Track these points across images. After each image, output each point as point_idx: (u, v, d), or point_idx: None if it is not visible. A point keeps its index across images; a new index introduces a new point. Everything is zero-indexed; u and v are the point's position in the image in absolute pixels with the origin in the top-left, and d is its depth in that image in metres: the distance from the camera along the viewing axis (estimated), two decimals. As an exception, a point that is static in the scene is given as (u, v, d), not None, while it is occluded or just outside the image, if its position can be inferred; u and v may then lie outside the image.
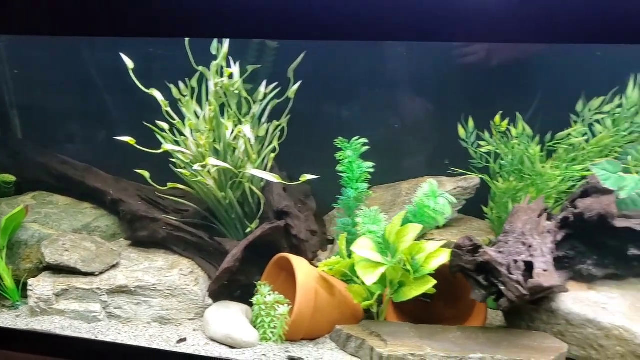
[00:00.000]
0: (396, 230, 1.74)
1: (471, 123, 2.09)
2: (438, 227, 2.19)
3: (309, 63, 2.12)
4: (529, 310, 1.93)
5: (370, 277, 1.70)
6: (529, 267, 1.64)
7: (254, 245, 2.09)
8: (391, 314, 2.03)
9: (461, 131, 2.10)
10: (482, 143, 2.06)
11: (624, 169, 1.79)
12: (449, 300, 2.08)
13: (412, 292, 1.82)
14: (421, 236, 2.18)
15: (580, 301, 1.85)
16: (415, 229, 1.74)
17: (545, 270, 1.60)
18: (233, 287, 2.15)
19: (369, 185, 2.11)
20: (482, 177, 2.13)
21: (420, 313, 2.04)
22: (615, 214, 1.75)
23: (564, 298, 1.87)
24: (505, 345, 1.79)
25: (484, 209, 2.18)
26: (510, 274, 1.63)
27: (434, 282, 1.79)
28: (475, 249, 1.71)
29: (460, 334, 1.87)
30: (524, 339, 1.84)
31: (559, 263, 1.88)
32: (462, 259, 1.73)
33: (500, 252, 1.70)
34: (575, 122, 1.99)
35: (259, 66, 2.10)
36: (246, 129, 1.91)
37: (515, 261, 1.66)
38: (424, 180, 2.17)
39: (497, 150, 2.03)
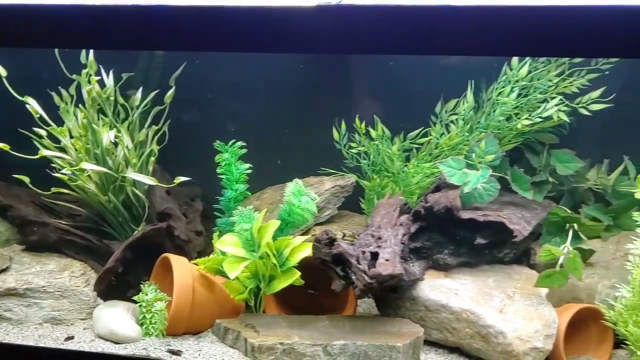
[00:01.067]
0: (259, 226, 1.89)
1: (344, 126, 2.26)
2: (320, 223, 2.35)
3: (196, 71, 2.25)
4: (395, 299, 2.11)
5: (234, 272, 1.85)
6: (375, 257, 1.82)
7: (141, 247, 2.20)
8: (272, 307, 2.18)
9: (335, 134, 2.27)
10: (352, 144, 2.23)
11: (470, 166, 1.99)
12: (330, 291, 2.25)
13: (281, 284, 1.97)
14: (304, 232, 2.34)
15: (436, 288, 2.05)
16: (274, 225, 1.89)
17: (387, 260, 1.78)
18: (124, 287, 2.25)
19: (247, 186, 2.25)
20: (350, 175, 2.30)
21: (305, 305, 2.19)
22: (459, 206, 1.95)
23: (423, 286, 2.06)
24: (368, 332, 1.96)
25: (362, 205, 2.36)
26: (359, 264, 1.80)
27: (299, 274, 1.95)
28: (331, 242, 1.87)
29: (328, 323, 2.04)
30: (386, 325, 2.02)
31: (418, 253, 2.07)
32: (321, 251, 1.90)
33: (352, 244, 1.87)
34: (434, 123, 2.19)
35: (133, 74, 2.22)
36: (111, 133, 2.03)
37: (364, 252, 1.83)
38: (308, 181, 2.33)
39: (368, 151, 2.21)
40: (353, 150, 2.23)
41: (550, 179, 2.15)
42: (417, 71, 2.34)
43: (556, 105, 2.04)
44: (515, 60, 2.15)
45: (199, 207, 2.37)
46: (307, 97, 2.46)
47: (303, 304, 2.19)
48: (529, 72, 2.09)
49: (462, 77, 2.20)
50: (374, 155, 2.16)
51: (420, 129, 2.16)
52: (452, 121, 2.14)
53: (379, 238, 1.89)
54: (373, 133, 2.16)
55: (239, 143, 2.15)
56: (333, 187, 2.29)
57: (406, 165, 2.11)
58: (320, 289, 2.19)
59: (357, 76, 2.35)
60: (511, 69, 2.14)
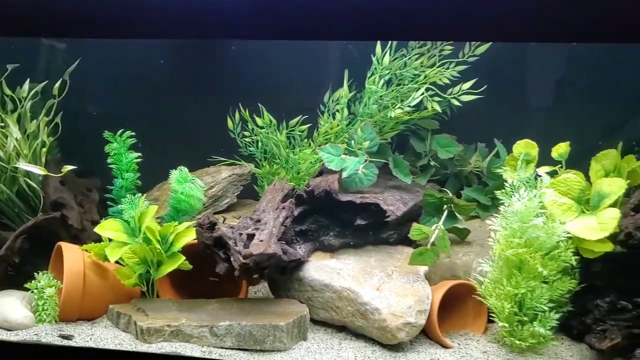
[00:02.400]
0: (139, 212, 1.97)
1: (237, 115, 2.35)
2: (220, 212, 2.44)
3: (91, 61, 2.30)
4: (284, 281, 2.22)
5: (114, 256, 1.92)
6: (252, 239, 1.92)
7: (38, 237, 2.25)
8: (169, 293, 2.26)
9: (229, 123, 2.36)
10: (246, 133, 2.33)
11: (350, 152, 2.11)
12: (230, 276, 2.34)
13: (167, 268, 2.06)
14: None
15: (321, 268, 2.16)
16: (152, 210, 1.97)
17: (261, 241, 1.88)
18: (24, 278, 2.30)
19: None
20: (242, 163, 2.39)
21: (207, 291, 2.28)
22: (337, 189, 2.06)
23: (309, 267, 2.18)
24: (254, 313, 2.06)
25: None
26: (236, 245, 1.90)
27: (183, 258, 2.03)
28: (212, 226, 1.96)
29: (217, 306, 2.13)
30: (273, 306, 2.13)
31: (304, 236, 2.19)
32: (203, 235, 1.99)
33: (231, 227, 1.96)
34: (322, 112, 2.30)
35: (18, 65, 2.27)
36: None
37: (241, 234, 1.93)
38: (207, 170, 2.42)
39: (260, 139, 2.30)
40: (247, 139, 2.32)
41: (433, 163, 2.29)
42: (312, 59, 2.43)
43: (428, 94, 2.16)
44: (379, 49, 2.27)
45: (95, 197, 2.43)
46: (204, 85, 2.53)
47: (205, 290, 2.28)
48: (396, 60, 2.17)
49: (350, 66, 2.31)
50: (262, 143, 2.26)
51: (299, 117, 2.26)
52: (337, 110, 2.25)
53: (258, 221, 1.99)
54: (259, 121, 2.26)
55: (128, 132, 2.22)
56: (230, 176, 2.38)
57: (293, 152, 2.21)
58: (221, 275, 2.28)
59: (250, 64, 2.43)
60: (379, 60, 2.25)
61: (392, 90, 2.24)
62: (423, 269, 2.16)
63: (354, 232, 2.19)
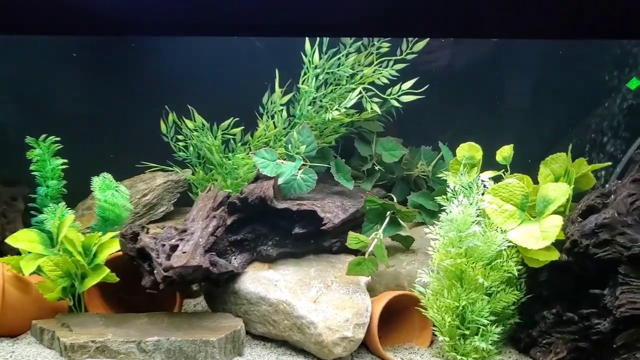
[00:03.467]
0: (57, 223, 1.87)
1: (171, 118, 2.24)
2: (155, 221, 2.34)
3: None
4: (221, 294, 2.12)
5: (29, 269, 1.82)
6: (175, 250, 1.82)
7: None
8: (98, 306, 2.16)
9: (162, 126, 2.26)
10: (180, 137, 2.22)
11: (289, 156, 2.02)
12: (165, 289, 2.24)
13: (91, 281, 1.95)
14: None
15: (257, 280, 2.07)
16: (69, 220, 1.87)
17: (184, 252, 1.79)
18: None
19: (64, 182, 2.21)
20: (174, 169, 2.28)
21: (142, 304, 2.17)
22: (272, 196, 1.97)
23: (245, 279, 2.08)
24: (185, 328, 1.97)
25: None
26: (158, 257, 1.80)
27: (108, 270, 1.93)
28: (135, 236, 1.87)
29: (146, 320, 2.03)
30: (206, 320, 2.03)
31: (240, 246, 2.09)
32: (126, 247, 1.89)
33: (155, 238, 1.86)
34: (262, 114, 2.21)
35: None
36: None
37: (163, 245, 1.83)
38: (142, 177, 2.32)
39: (191, 144, 2.20)
40: (180, 143, 2.22)
41: (378, 168, 2.20)
42: (256, 58, 2.33)
43: (366, 95, 2.08)
44: (308, 46, 2.19)
45: (20, 206, 2.32)
46: (138, 85, 2.42)
47: (142, 303, 2.18)
48: (329, 59, 2.08)
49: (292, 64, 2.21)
50: (194, 147, 2.16)
51: (231, 119, 2.17)
52: (277, 112, 2.16)
53: (184, 231, 1.90)
54: (190, 124, 2.16)
55: (52, 138, 2.11)
56: (165, 182, 2.28)
57: (227, 157, 2.11)
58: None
59: (189, 62, 2.33)
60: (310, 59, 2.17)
61: (328, 91, 2.15)
62: (365, 279, 2.08)
63: (294, 241, 2.10)
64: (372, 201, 2.05)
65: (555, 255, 1.88)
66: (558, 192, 1.85)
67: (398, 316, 2.13)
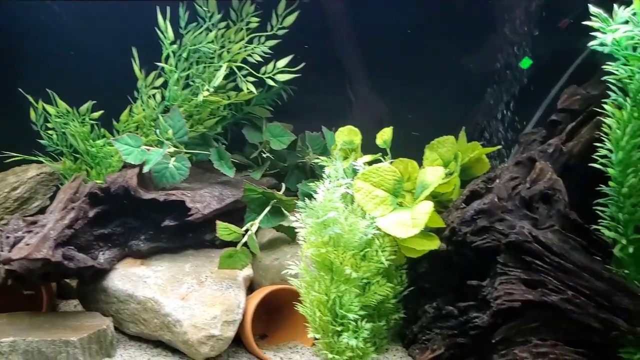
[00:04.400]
0: None
1: (40, 104, 2.11)
2: (29, 215, 2.21)
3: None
4: (92, 292, 2.01)
5: None
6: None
7: None
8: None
9: (32, 113, 2.13)
10: (49, 125, 2.09)
11: (161, 143, 1.91)
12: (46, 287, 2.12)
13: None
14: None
15: (127, 277, 1.96)
16: None
17: (27, 244, 1.67)
18: None
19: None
20: (44, 159, 2.14)
21: (26, 304, 2.05)
22: (135, 186, 1.86)
23: (113, 276, 1.97)
24: (46, 328, 1.85)
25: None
26: (1, 250, 1.69)
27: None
28: (-18, 231, 1.76)
29: (5, 321, 1.91)
30: (71, 320, 1.91)
31: (109, 240, 1.97)
32: (-27, 242, 1.77)
33: (1, 230, 1.76)
34: (136, 98, 2.10)
35: None
36: None
37: (8, 237, 1.72)
38: (15, 170, 2.20)
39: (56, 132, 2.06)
40: (50, 132, 2.09)
41: (267, 155, 2.10)
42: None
43: (240, 75, 1.96)
44: (161, 20, 2.04)
45: None
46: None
47: (17, 303, 2.06)
48: (190, 34, 1.97)
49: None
50: (59, 135, 2.03)
51: (88, 103, 2.04)
52: (143, 94, 2.04)
53: (34, 223, 1.79)
54: (52, 110, 2.04)
55: None
56: (39, 175, 2.15)
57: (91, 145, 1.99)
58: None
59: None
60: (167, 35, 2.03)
61: (196, 71, 2.04)
62: (243, 274, 1.97)
63: (170, 235, 1.99)
64: (251, 190, 1.94)
65: (434, 245, 1.77)
66: (434, 176, 1.75)
67: (283, 313, 2.03)
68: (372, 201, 1.74)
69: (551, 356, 1.64)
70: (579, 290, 1.65)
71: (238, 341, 1.94)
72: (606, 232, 1.74)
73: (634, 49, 1.48)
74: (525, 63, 1.98)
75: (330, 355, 1.77)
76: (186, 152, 1.99)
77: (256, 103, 2.18)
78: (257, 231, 2.13)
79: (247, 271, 1.99)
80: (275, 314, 2.06)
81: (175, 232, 1.99)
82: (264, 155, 2.11)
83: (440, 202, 2.00)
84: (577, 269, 1.66)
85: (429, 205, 1.68)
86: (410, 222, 1.68)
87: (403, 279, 1.88)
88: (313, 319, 1.78)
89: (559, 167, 1.81)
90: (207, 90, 1.91)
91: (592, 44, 1.48)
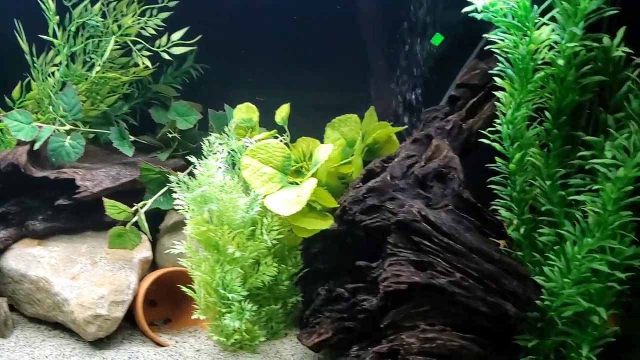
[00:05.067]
0: None
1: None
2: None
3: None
4: (-8, 272, 1.98)
5: None
6: None
7: None
8: None
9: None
10: None
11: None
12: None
13: None
14: None
15: (21, 257, 1.92)
16: None
17: None
18: None
19: None
20: None
21: None
22: (24, 163, 1.82)
23: (9, 255, 1.93)
24: (-61, 308, 1.82)
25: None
26: None
27: None
28: None
29: None
30: (-40, 301, 1.89)
31: (4, 220, 1.94)
32: None
33: None
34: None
35: None
36: None
37: None
38: None
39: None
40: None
41: (173, 135, 2.05)
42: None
43: (135, 49, 1.91)
44: None
45: None
46: None
47: None
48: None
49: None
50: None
51: None
52: (36, 69, 1.99)
53: None
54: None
55: None
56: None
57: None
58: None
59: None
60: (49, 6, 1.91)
61: (87, 45, 1.98)
62: (141, 255, 1.92)
63: (68, 215, 1.95)
64: (148, 169, 1.90)
65: (326, 224, 1.72)
66: (324, 153, 1.69)
67: (188, 297, 1.98)
68: (260, 178, 1.69)
69: (438, 342, 1.58)
70: (468, 272, 1.59)
71: (136, 324, 1.91)
72: (503, 212, 1.68)
73: (509, 16, 1.42)
74: (437, 39, 1.92)
75: (215, 337, 1.73)
76: (88, 131, 1.95)
77: (165, 82, 2.14)
78: (165, 214, 2.11)
79: (145, 253, 1.94)
80: (181, 298, 2.02)
81: (73, 212, 1.94)
82: (172, 136, 2.06)
83: (347, 184, 1.95)
84: (467, 251, 1.60)
85: (313, 182, 1.63)
86: (295, 200, 1.62)
87: (298, 260, 1.83)
88: (200, 300, 1.74)
89: (458, 145, 1.75)
90: (100, 65, 1.87)
91: (466, 9, 1.42)
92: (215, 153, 1.67)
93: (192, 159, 1.72)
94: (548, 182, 1.51)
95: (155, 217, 2.07)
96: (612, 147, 1.31)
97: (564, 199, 1.52)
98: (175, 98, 2.13)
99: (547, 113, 1.53)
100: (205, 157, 1.69)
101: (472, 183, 1.74)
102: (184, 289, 1.74)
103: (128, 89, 2.08)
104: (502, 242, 1.77)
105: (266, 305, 1.81)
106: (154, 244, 2.01)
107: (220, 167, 1.65)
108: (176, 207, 1.70)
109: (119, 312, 1.79)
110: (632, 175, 1.28)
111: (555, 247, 1.52)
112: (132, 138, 1.98)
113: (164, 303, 2.03)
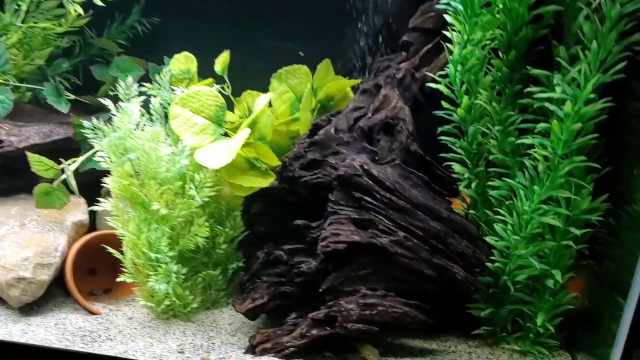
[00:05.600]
0: None
1: None
2: None
3: None
4: None
5: None
6: None
7: None
8: None
9: None
10: None
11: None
12: None
13: None
14: None
15: (-52, 218, 1.82)
16: None
17: None
18: None
19: None
20: None
21: None
22: None
23: None
24: None
25: None
26: None
27: None
28: None
29: None
30: None
31: None
32: None
33: None
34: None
35: None
36: None
37: None
38: None
39: None
40: None
41: (114, 93, 1.93)
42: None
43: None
44: None
45: None
46: None
47: None
48: None
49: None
50: None
51: None
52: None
53: None
54: None
55: None
56: None
57: None
58: None
59: None
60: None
61: None
62: (75, 219, 1.80)
63: (2, 176, 1.85)
64: (81, 126, 1.78)
65: (264, 182, 1.59)
66: (261, 103, 1.56)
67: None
68: (190, 129, 1.56)
69: (380, 308, 1.44)
70: (412, 231, 1.45)
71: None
72: (457, 167, 1.54)
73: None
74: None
75: (142, 302, 1.62)
76: (25, 87, 1.84)
77: (109, 37, 2.02)
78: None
79: (80, 216, 1.82)
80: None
81: (2, 171, 1.83)
82: (114, 94, 1.94)
83: (299, 142, 1.82)
84: (412, 208, 1.46)
85: (246, 133, 1.49)
86: (225, 152, 1.50)
87: (237, 222, 1.70)
88: (127, 262, 1.62)
89: (410, 95, 1.61)
90: (25, 11, 1.75)
91: None
92: (134, 97, 1.55)
93: (105, 101, 1.59)
94: (498, 128, 1.37)
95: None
96: (562, 82, 1.16)
97: (518, 147, 1.38)
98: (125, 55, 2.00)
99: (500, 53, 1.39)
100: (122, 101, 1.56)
101: (431, 137, 1.61)
102: (109, 249, 1.62)
103: (67, 42, 1.96)
104: (459, 203, 1.63)
105: (203, 270, 1.69)
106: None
107: (141, 114, 1.53)
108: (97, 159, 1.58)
109: (45, 276, 1.67)
110: (583, 112, 1.13)
111: (508, 202, 1.38)
112: (71, 97, 1.86)
113: (106, 272, 1.91)
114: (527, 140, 1.23)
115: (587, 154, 1.23)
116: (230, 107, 1.72)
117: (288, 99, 1.76)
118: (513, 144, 1.34)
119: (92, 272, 1.91)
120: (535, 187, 1.22)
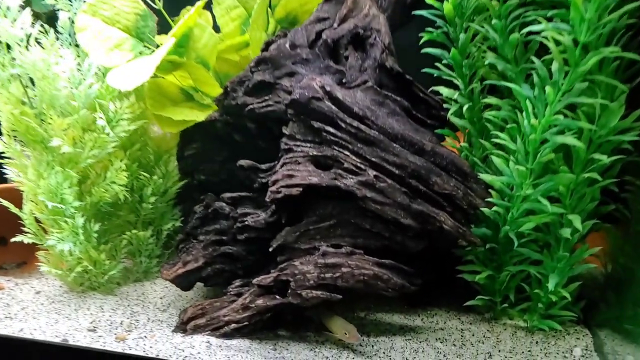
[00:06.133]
0: None
1: None
2: None
3: None
4: None
5: None
6: None
7: None
8: None
9: None
10: None
11: None
12: None
13: None
14: None
15: None
16: None
17: None
18: None
19: None
20: None
21: None
22: None
23: None
24: None
25: None
26: None
27: None
28: None
29: None
30: None
31: None
32: None
33: None
34: None
35: None
36: None
37: None
38: None
39: None
40: None
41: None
42: None
43: None
44: None
45: None
46: None
47: None
48: None
49: None
50: None
51: None
52: None
53: None
54: None
55: None
56: None
57: None
58: None
59: None
60: None
61: None
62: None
63: None
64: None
65: (200, 115, 1.27)
66: (192, 9, 1.23)
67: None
68: (103, 45, 1.23)
69: (343, 270, 1.12)
70: (386, 169, 1.13)
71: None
72: (443, 90, 1.22)
73: None
74: None
75: (44, 268, 1.29)
76: None
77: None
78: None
79: None
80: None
81: None
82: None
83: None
84: (386, 139, 1.14)
85: (169, 43, 1.17)
86: (141, 70, 1.17)
87: (170, 170, 1.37)
88: (27, 218, 1.29)
89: (389, 3, 1.29)
90: None
91: None
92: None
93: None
94: (497, 24, 1.03)
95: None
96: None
97: (523, 53, 1.05)
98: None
99: None
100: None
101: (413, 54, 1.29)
102: (4, 202, 1.29)
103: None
104: (451, 144, 1.31)
105: (128, 230, 1.36)
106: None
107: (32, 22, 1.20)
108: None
109: None
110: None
111: (510, 126, 1.06)
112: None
113: (20, 243, 1.59)
114: (536, 27, 0.90)
115: (622, 45, 0.91)
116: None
117: (238, 15, 1.43)
118: (516, 42, 1.01)
119: (1, 242, 1.59)
120: (548, 92, 0.89)
